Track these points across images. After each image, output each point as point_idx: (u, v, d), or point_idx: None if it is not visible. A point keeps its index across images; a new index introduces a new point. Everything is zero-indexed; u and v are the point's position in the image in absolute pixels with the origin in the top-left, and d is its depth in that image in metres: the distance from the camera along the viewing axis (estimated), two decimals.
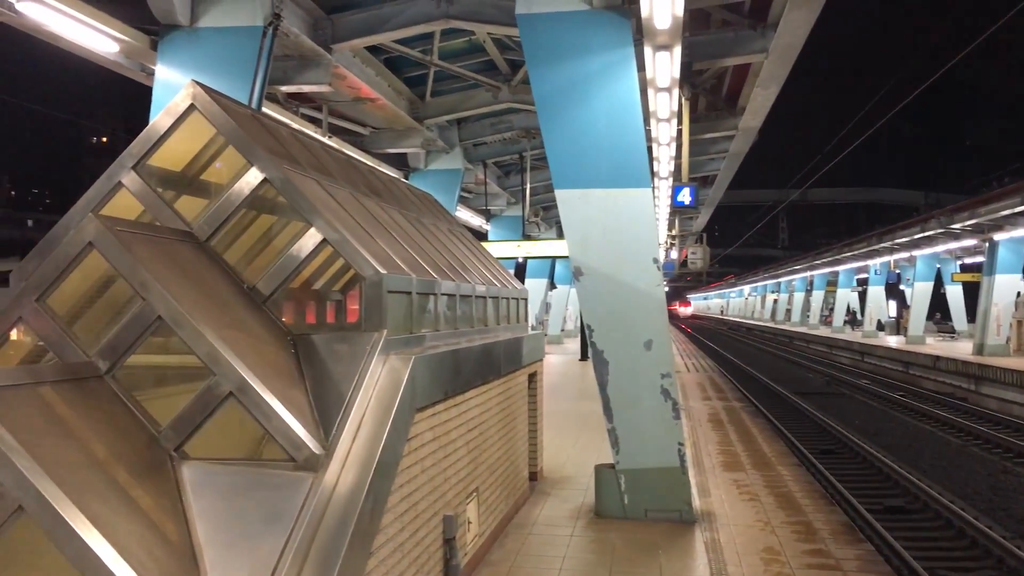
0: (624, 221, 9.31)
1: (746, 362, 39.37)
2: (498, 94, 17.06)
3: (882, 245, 39.33)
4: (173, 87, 10.09)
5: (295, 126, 10.30)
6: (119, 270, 4.74)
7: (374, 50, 14.52)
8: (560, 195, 9.51)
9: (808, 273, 62.17)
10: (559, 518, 9.40)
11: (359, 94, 15.09)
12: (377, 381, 5.34)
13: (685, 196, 16.33)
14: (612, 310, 9.39)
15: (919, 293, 41.37)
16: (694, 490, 10.04)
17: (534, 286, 36.49)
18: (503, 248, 22.79)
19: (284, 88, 13.00)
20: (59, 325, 4.71)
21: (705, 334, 73.93)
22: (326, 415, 4.97)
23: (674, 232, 28.81)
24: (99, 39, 10.05)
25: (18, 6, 8.84)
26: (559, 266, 41.86)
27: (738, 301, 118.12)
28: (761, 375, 32.40)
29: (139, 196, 5.83)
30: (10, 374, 4.14)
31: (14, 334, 4.80)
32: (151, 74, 11.00)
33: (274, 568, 4.03)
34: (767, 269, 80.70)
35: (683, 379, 25.34)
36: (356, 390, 5.16)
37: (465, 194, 26.85)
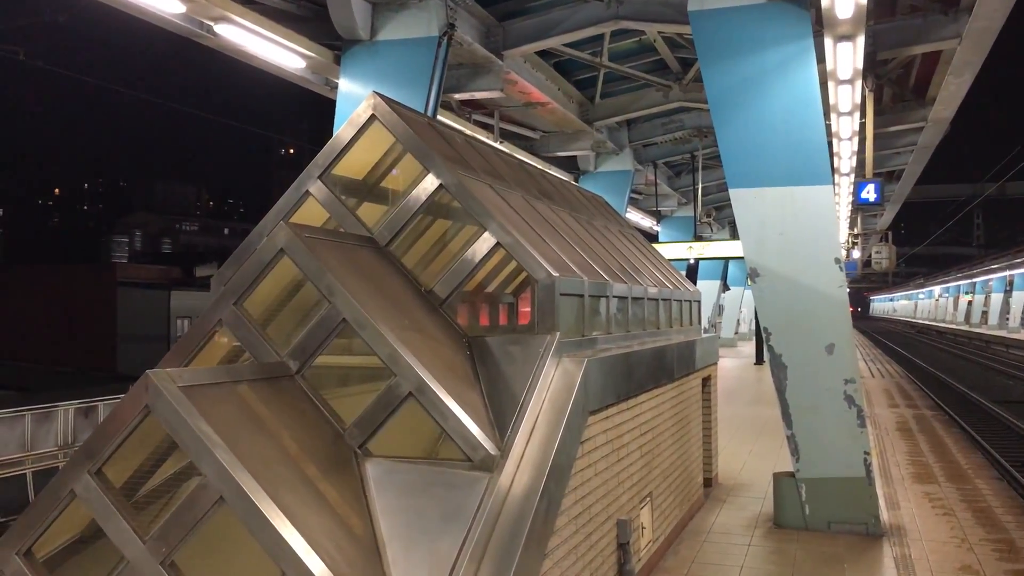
0: (803, 220, 8.95)
1: (937, 367, 36.98)
2: (669, 93, 16.83)
3: None
4: (354, 99, 10.56)
5: (468, 132, 10.57)
6: (307, 275, 4.98)
7: (544, 55, 14.64)
8: (734, 194, 9.25)
9: (1007, 272, 57.73)
10: (735, 526, 9.14)
11: (529, 99, 15.26)
12: (550, 383, 5.36)
13: (869, 192, 15.54)
14: (791, 313, 9.05)
15: None
16: (881, 502, 9.51)
17: (706, 288, 35.75)
18: (674, 249, 22.44)
19: (458, 96, 13.32)
20: (254, 327, 5.00)
21: (891, 338, 70.08)
22: (501, 416, 5.03)
23: (856, 231, 27.49)
24: (289, 56, 10.65)
25: (216, 28, 9.50)
26: (732, 267, 40.84)
27: (927, 303, 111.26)
28: (954, 381, 30.34)
29: (325, 204, 6.13)
30: (212, 373, 4.44)
31: (215, 335, 5.13)
32: (334, 87, 11.56)
33: (452, 566, 4.11)
34: (960, 268, 75.56)
35: (867, 385, 24.11)
36: (530, 392, 5.20)
37: (635, 195, 26.63)
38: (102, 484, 4.02)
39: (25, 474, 11.22)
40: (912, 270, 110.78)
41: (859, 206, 19.61)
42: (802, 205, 8.94)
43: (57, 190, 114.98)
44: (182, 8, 9.02)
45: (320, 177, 6.14)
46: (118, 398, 12.24)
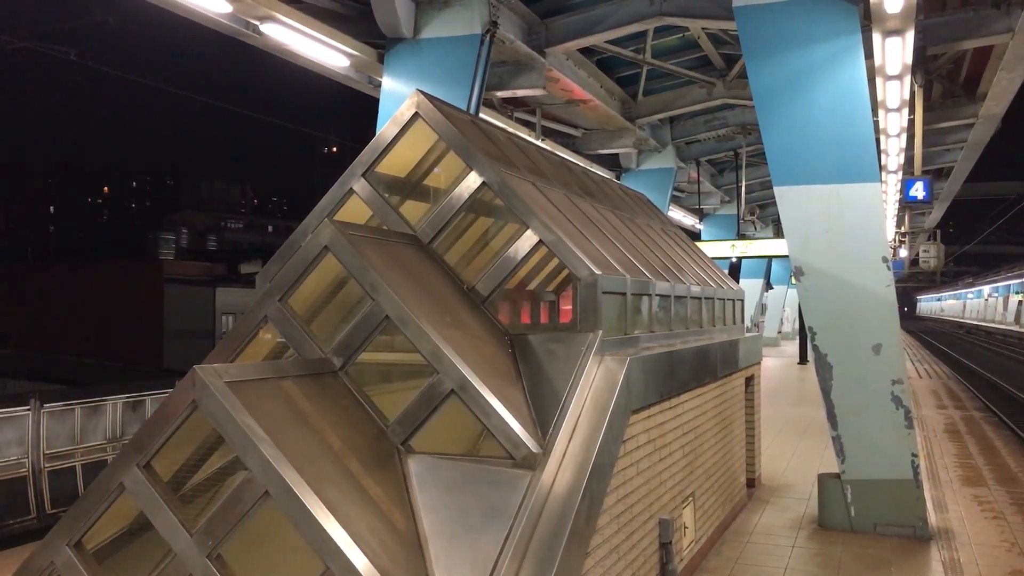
0: (850, 218, 8.83)
1: (986, 368, 36.23)
2: (712, 90, 16.68)
3: None
4: (398, 97, 10.61)
5: (510, 130, 10.56)
6: (351, 272, 5.01)
7: (587, 52, 14.58)
8: (779, 192, 9.15)
9: None
10: (779, 527, 9.05)
11: (572, 96, 15.21)
12: (592, 382, 5.34)
13: (918, 190, 15.27)
14: (836, 312, 8.93)
15: None
16: (929, 505, 9.35)
17: (749, 287, 35.37)
18: (717, 248, 22.25)
19: (500, 93, 13.31)
20: (299, 323, 5.04)
21: (939, 338, 68.82)
22: (543, 414, 5.02)
23: (904, 229, 27.03)
24: (333, 55, 10.73)
25: (262, 28, 9.60)
26: (775, 265, 40.37)
27: (976, 303, 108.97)
28: (1004, 382, 29.70)
29: (368, 202, 6.16)
30: (257, 368, 4.49)
31: (261, 331, 5.18)
32: (377, 86, 11.62)
33: (495, 563, 4.11)
34: (1010, 268, 73.89)
35: (915, 385, 23.71)
36: (572, 390, 5.18)
37: (678, 193, 26.44)
38: (150, 477, 4.07)
39: (75, 466, 11.43)
40: (961, 269, 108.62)
41: (907, 204, 19.26)
42: (849, 203, 8.82)
43: (106, 188, 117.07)
44: (229, 8, 9.12)
45: (364, 175, 6.18)
46: (165, 392, 12.43)
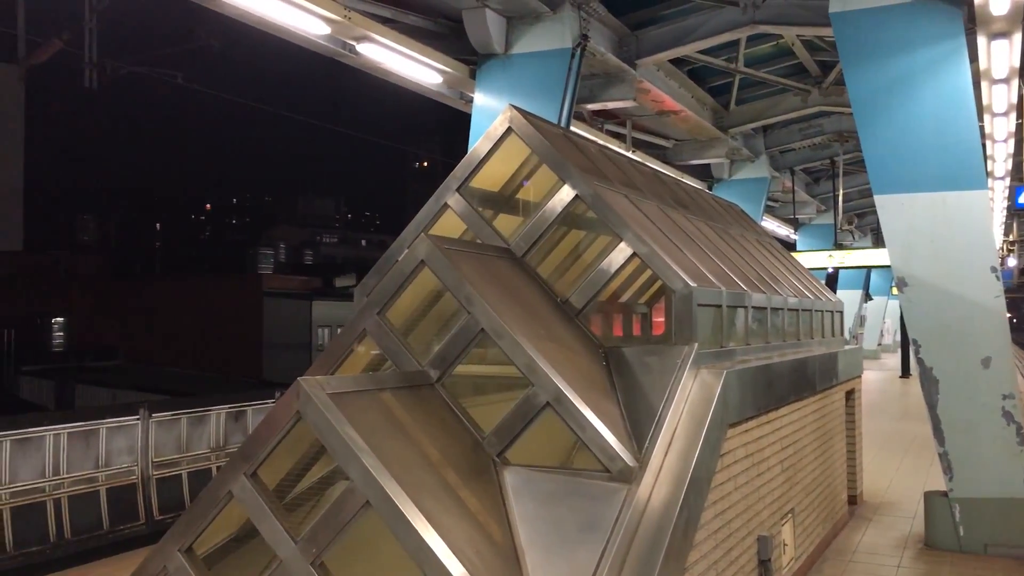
0: (955, 226, 8.53)
1: None
2: (807, 98, 16.32)
3: None
4: (489, 112, 10.73)
5: (601, 142, 10.55)
6: (447, 285, 5.09)
7: (677, 62, 14.45)
8: (880, 200, 8.90)
9: None
10: (883, 546, 8.76)
11: (662, 107, 15.10)
12: (688, 395, 5.29)
13: None
14: (942, 324, 8.62)
15: None
16: None
17: (847, 298, 34.39)
18: (813, 258, 21.75)
19: (590, 106, 13.31)
20: (396, 336, 5.14)
21: None
22: (638, 427, 4.99)
23: (1012, 237, 25.93)
24: (426, 72, 10.92)
25: (359, 48, 9.84)
26: (874, 276, 39.19)
27: None
28: None
29: (463, 216, 6.24)
30: (357, 380, 4.59)
31: (359, 344, 5.30)
32: (469, 101, 11.77)
33: None
34: None
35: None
36: (667, 403, 5.14)
37: (771, 203, 25.93)
38: (257, 486, 4.21)
39: (181, 474, 11.86)
40: None
41: (1016, 211, 18.50)
42: (955, 211, 8.52)
43: (208, 205, 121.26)
44: (327, 30, 9.38)
45: (458, 189, 6.26)
46: (265, 403, 12.79)
